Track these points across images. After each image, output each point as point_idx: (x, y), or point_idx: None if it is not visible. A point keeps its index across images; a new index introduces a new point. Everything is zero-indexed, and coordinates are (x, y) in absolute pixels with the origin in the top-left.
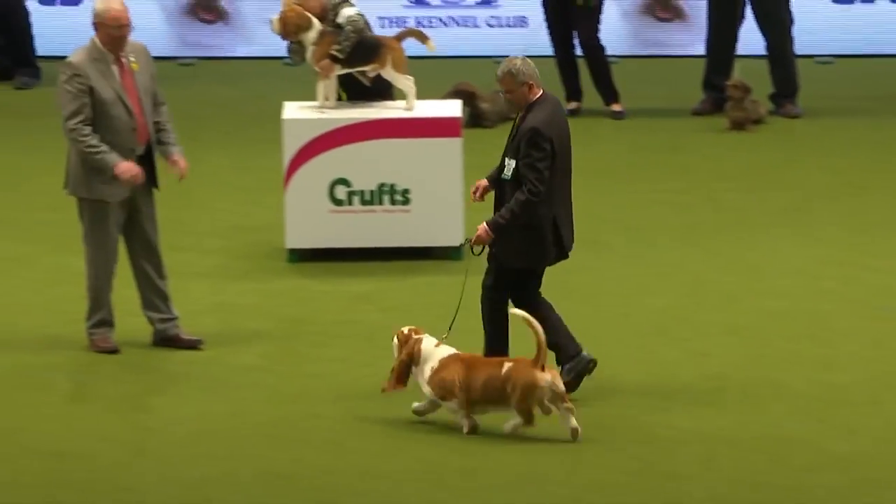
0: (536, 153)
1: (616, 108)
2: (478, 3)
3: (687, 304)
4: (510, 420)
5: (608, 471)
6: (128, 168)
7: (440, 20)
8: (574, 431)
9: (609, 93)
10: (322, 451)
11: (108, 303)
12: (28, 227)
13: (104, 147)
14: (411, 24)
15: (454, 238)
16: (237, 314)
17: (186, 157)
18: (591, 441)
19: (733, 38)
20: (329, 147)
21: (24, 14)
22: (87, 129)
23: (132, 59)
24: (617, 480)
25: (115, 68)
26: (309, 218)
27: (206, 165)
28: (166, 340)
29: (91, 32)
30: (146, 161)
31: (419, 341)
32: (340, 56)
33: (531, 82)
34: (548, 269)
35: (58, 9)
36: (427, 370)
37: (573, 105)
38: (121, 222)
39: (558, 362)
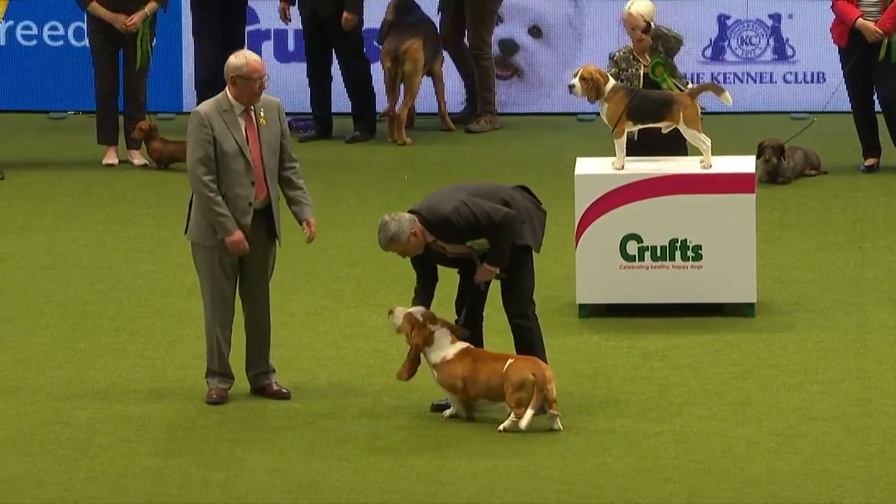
0: None
1: None
2: (775, 59)
3: None
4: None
5: None
6: (235, 241)
7: (736, 76)
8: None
9: None
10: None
11: None
12: (328, 282)
13: (226, 210)
14: (707, 79)
15: (747, 295)
16: None
17: None
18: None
19: None
20: (621, 203)
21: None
22: (212, 181)
23: (262, 113)
24: None
25: (241, 121)
26: (600, 273)
27: None
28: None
29: None
30: (265, 216)
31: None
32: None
33: (415, 229)
34: (844, 328)
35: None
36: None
37: (871, 161)
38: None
39: None
